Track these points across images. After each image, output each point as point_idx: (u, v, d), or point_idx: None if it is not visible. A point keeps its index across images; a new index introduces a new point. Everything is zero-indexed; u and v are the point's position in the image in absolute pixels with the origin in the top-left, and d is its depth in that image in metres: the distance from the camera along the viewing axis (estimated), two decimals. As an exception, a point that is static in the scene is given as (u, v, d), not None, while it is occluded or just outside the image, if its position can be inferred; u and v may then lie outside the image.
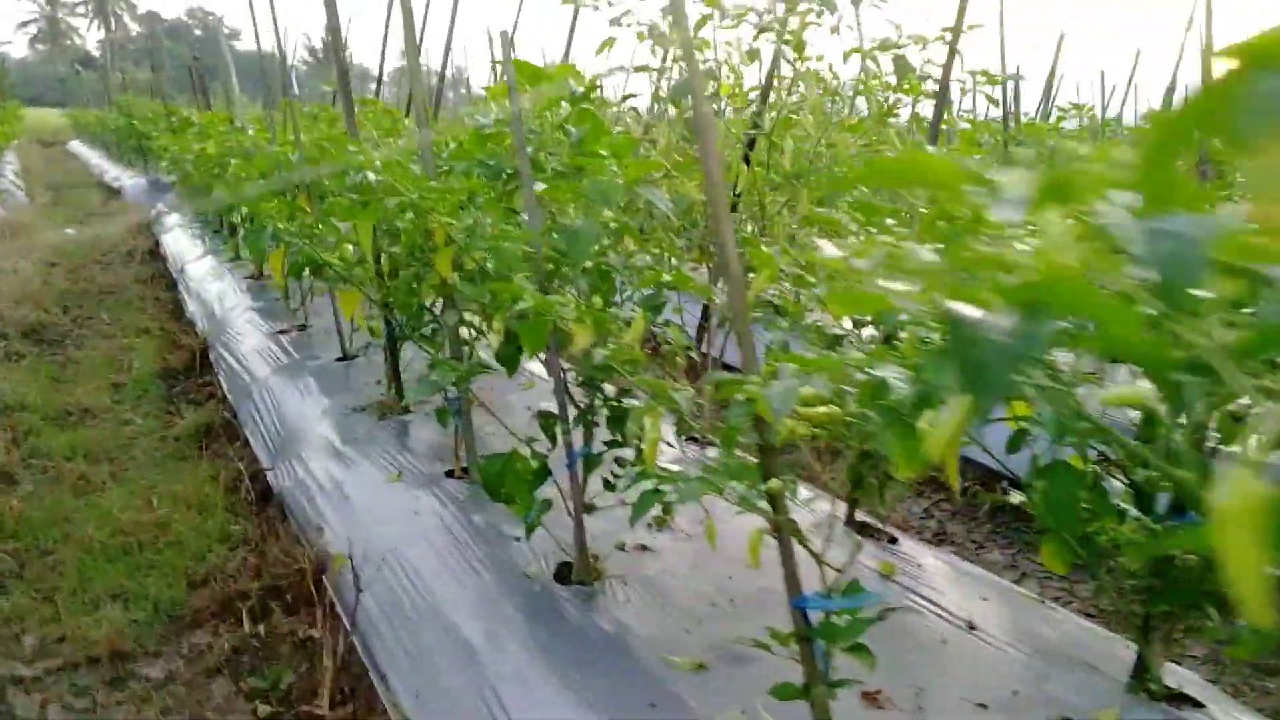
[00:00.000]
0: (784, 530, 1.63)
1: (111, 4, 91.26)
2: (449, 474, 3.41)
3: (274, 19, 5.35)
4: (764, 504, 1.58)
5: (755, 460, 1.65)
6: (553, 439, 2.58)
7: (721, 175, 1.62)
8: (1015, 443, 1.89)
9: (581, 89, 2.66)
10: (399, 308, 3.35)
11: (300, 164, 5.06)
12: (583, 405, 2.49)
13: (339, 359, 5.09)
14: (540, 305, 1.75)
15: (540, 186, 2.05)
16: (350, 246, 3.44)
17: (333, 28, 3.66)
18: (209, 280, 8.02)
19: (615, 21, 3.57)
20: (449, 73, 8.89)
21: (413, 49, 2.95)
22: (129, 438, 5.17)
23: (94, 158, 26.39)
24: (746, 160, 3.40)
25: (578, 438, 2.56)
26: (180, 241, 10.45)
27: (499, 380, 3.39)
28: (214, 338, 6.40)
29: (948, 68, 2.62)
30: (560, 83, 2.53)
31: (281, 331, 5.87)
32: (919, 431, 1.30)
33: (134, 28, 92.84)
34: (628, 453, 2.52)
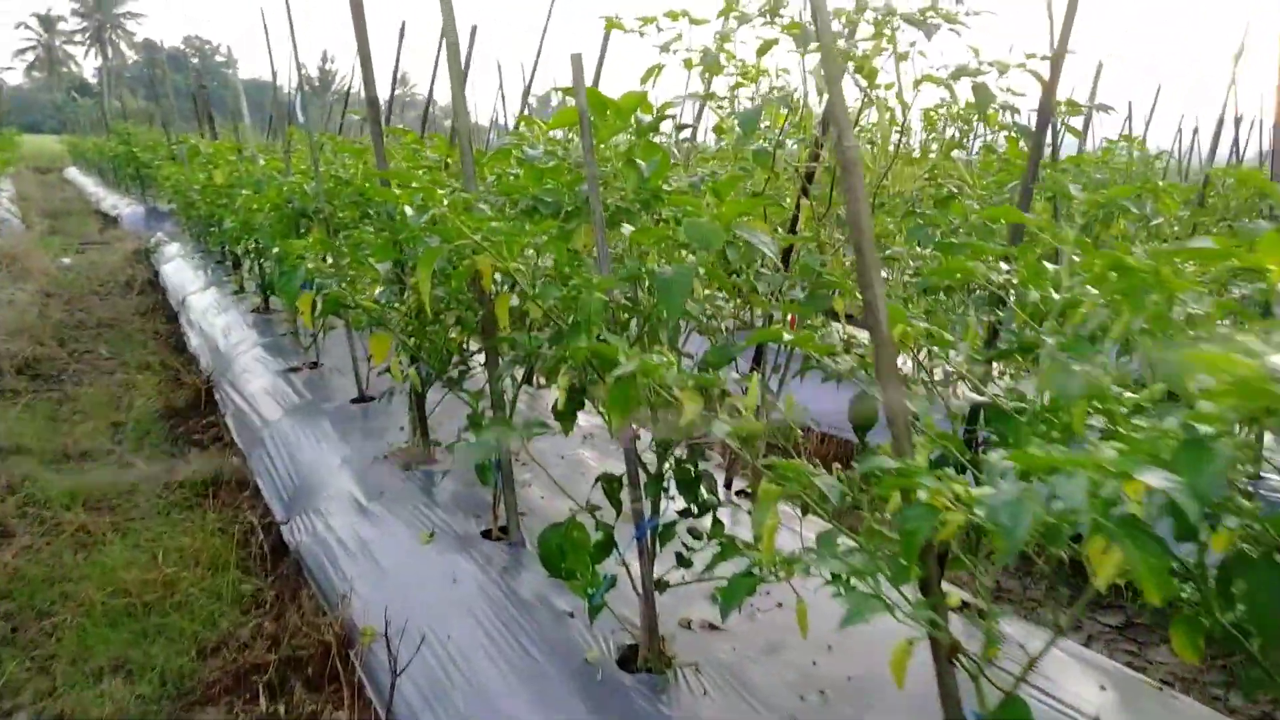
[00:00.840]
0: (943, 647, 1.36)
1: (108, 32, 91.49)
2: (486, 534, 3.13)
3: (294, 45, 5.12)
4: (924, 616, 1.31)
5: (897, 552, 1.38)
6: (617, 506, 2.31)
7: (870, 220, 1.36)
8: (1189, 531, 1.62)
9: (649, 118, 2.42)
10: (432, 354, 3.08)
11: (318, 195, 4.82)
12: (653, 469, 2.22)
13: (356, 400, 4.82)
14: (647, 369, 1.49)
15: (627, 229, 1.80)
16: (379, 288, 3.18)
17: (363, 55, 3.41)
18: (212, 313, 7.74)
19: (665, 48, 3.33)
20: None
21: (458, 82, 2.70)
22: (131, 484, 4.87)
23: (90, 185, 26.16)
24: (804, 194, 3.15)
25: (647, 505, 2.29)
26: (181, 272, 10.18)
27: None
28: (219, 375, 6.12)
29: (1050, 94, 2.37)
30: (628, 112, 2.28)
31: (292, 370, 5.59)
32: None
33: (131, 56, 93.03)
34: (703, 521, 2.25)
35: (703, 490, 2.24)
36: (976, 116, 3.04)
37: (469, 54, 6.27)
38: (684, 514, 2.24)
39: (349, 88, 11.56)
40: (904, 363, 2.12)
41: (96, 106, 34.67)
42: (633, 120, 2.37)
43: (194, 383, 6.40)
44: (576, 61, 2.07)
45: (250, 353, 6.19)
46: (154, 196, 16.53)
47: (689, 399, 1.50)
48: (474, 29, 6.32)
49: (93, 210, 20.43)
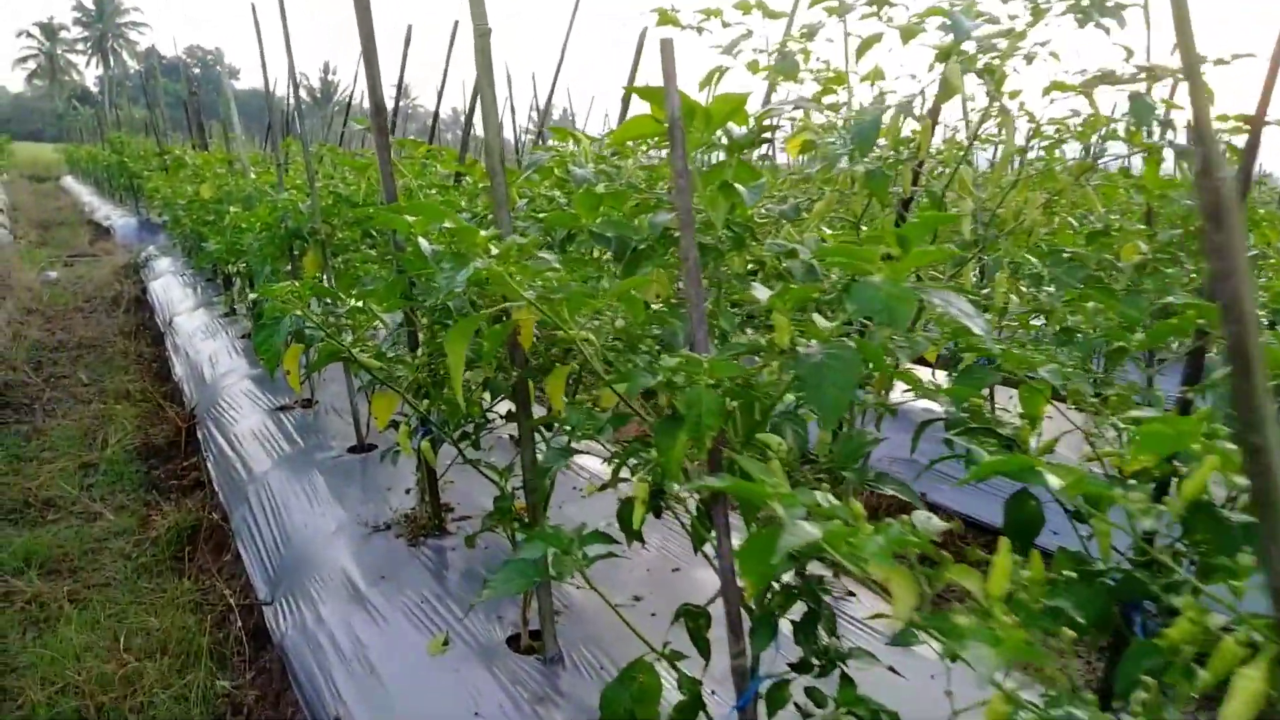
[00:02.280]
0: None
1: (110, 41, 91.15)
2: (513, 642, 2.54)
3: (288, 48, 4.55)
4: None
5: None
6: (705, 651, 1.72)
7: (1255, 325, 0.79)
8: None
9: (741, 130, 1.85)
10: (450, 416, 2.50)
11: (314, 214, 4.24)
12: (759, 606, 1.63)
13: (354, 449, 4.22)
14: (834, 538, 0.91)
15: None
16: (382, 331, 2.59)
17: (368, 54, 2.84)
18: (200, 337, 7.16)
19: (729, 49, 2.76)
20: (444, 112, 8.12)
21: (488, 79, 2.13)
22: (97, 540, 4.28)
23: (85, 194, 25.60)
24: (899, 222, 2.57)
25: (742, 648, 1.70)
26: (170, 290, 9.60)
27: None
28: (204, 409, 5.53)
29: (1263, 107, 1.79)
30: (720, 121, 1.71)
31: (283, 408, 5.01)
32: None
33: (133, 65, 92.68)
34: (825, 678, 1.66)
35: (821, 633, 1.65)
36: (1100, 134, 2.46)
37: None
38: (799, 667, 1.65)
39: (350, 98, 11.01)
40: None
41: (96, 115, 34.18)
42: (719, 133, 1.80)
43: (176, 417, 5.80)
44: (667, 50, 1.49)
45: (238, 385, 5.60)
46: (147, 208, 15.97)
47: (900, 586, 0.92)
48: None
49: (86, 221, 19.86)
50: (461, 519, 3.39)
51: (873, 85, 2.61)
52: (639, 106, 1.74)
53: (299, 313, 2.03)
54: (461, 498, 3.53)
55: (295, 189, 5.38)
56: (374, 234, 4.62)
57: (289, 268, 4.92)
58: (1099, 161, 2.84)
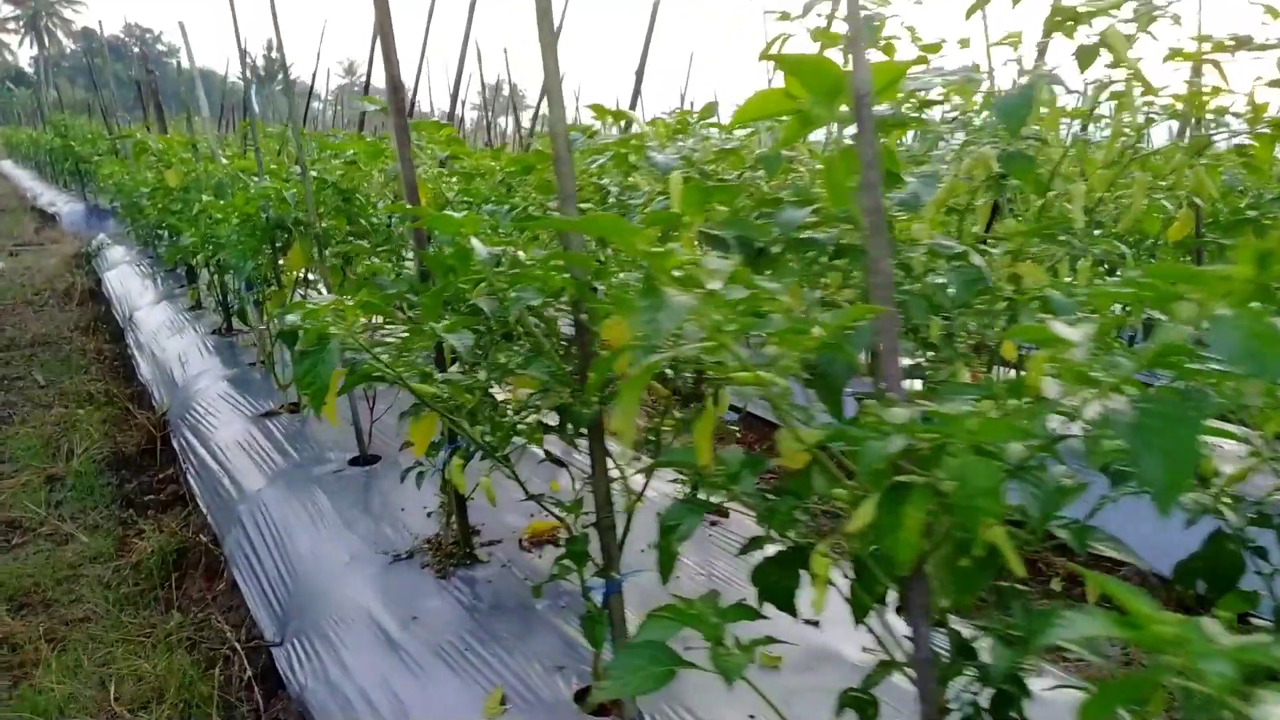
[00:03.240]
0: None
1: (44, 20, 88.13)
2: (581, 698, 2.22)
3: (279, 33, 4.14)
4: None
5: None
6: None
7: None
8: None
9: (885, 110, 1.53)
10: (497, 437, 2.16)
11: (305, 203, 3.87)
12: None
13: (356, 461, 3.86)
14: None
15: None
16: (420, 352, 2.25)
17: (383, 25, 2.48)
18: (166, 334, 6.71)
19: (805, 10, 2.44)
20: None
21: (550, 40, 1.79)
22: (71, 567, 3.88)
23: (26, 179, 24.60)
24: (995, 210, 2.29)
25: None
26: (128, 281, 9.08)
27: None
28: (177, 414, 5.12)
29: None
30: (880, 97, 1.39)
31: (268, 414, 4.62)
32: None
33: (69, 44, 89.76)
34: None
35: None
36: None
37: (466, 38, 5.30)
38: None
39: (313, 80, 10.52)
40: None
41: (33, 97, 32.91)
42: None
43: (146, 423, 5.38)
44: (854, 2, 1.17)
45: (214, 388, 5.19)
46: (95, 193, 15.27)
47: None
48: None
49: (29, 208, 19.01)
50: (490, 544, 3.06)
51: (1015, 50, 2.29)
52: (652, 86, 1.41)
53: (342, 332, 1.69)
54: (484, 517, 3.20)
55: (271, 174, 4.97)
56: (372, 224, 4.26)
57: (273, 261, 4.53)
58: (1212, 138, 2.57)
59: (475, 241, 1.89)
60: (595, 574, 2.03)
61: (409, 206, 2.45)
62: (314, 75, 10.31)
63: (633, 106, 5.81)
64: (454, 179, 3.40)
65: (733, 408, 2.41)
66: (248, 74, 5.62)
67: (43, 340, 8.02)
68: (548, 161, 2.62)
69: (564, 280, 1.77)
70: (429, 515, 3.18)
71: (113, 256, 10.64)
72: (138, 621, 3.43)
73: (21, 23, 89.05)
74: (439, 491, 3.05)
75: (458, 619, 2.59)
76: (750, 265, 1.54)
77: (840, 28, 2.22)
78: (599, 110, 2.79)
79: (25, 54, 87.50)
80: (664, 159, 1.89)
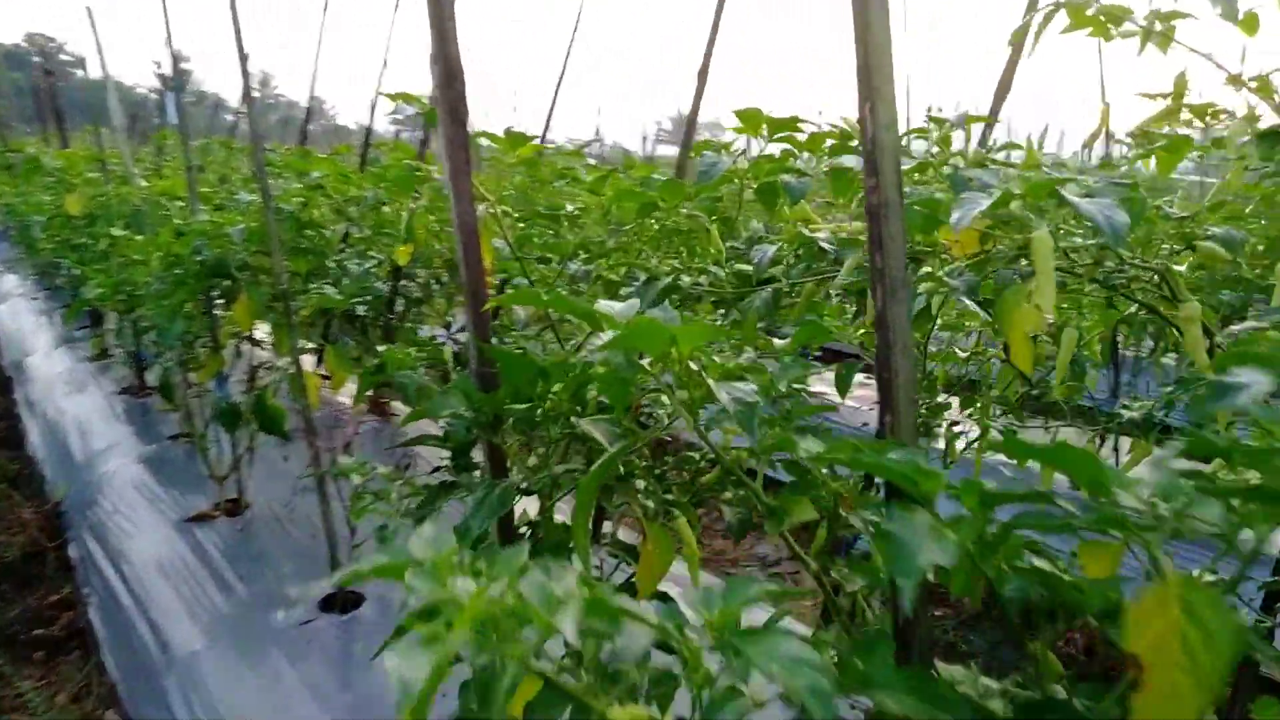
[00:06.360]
0: None
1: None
2: None
3: (212, 43, 3.05)
4: None
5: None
6: None
7: None
8: None
9: None
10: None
11: (269, 236, 2.82)
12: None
13: (327, 606, 2.78)
14: None
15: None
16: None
17: (437, 19, 1.46)
18: (62, 391, 5.48)
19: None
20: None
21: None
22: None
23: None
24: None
25: None
26: (19, 318, 7.77)
27: None
28: (76, 508, 3.96)
29: None
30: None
31: (200, 517, 3.51)
32: None
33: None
34: None
35: None
36: None
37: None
38: None
39: (261, 96, 9.35)
40: None
41: (-80, 106, 30.54)
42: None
43: (34, 519, 4.19)
44: None
45: (126, 473, 4.05)
46: (-17, 213, 13.66)
47: None
48: None
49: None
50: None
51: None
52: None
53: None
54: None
55: (205, 199, 3.88)
56: (342, 265, 3.24)
57: (206, 315, 3.43)
58: None
59: (714, 384, 0.90)
60: None
61: (481, 263, 1.44)
62: (248, 91, 9.14)
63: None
64: (516, 216, 2.38)
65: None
66: (166, 73, 4.54)
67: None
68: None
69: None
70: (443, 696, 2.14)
71: (3, 286, 9.26)
72: None
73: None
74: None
75: None
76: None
77: None
78: (749, 117, 1.81)
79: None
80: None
